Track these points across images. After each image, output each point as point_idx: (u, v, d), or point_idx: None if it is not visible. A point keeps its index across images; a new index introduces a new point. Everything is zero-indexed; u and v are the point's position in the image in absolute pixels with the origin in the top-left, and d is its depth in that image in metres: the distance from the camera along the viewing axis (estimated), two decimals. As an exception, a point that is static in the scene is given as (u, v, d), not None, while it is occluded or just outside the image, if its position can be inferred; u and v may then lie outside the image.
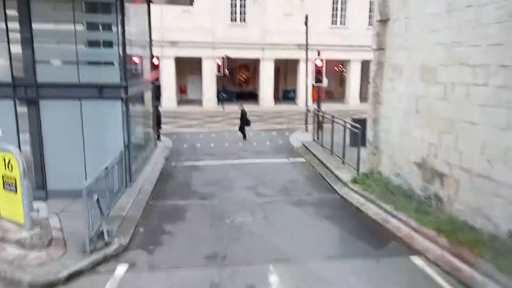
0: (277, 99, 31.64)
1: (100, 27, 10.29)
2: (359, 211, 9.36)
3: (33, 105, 9.53)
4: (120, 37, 9.80)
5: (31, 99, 9.50)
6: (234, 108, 28.68)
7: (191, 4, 16.52)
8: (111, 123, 9.93)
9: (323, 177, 12.24)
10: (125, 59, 10.08)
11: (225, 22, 29.22)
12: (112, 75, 9.81)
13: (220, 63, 27.36)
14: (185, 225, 8.65)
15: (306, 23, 19.35)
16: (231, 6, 29.37)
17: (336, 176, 11.85)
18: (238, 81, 34.16)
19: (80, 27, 9.71)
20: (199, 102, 29.99)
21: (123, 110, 10.00)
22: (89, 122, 9.76)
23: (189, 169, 13.31)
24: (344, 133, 13.06)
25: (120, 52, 9.86)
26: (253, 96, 32.53)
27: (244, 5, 29.47)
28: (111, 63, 9.97)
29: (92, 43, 10.16)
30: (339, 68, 35.04)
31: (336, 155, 13.63)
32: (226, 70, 27.22)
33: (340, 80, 35.79)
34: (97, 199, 7.09)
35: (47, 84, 9.46)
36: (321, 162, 13.61)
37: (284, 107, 29.78)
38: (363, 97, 32.23)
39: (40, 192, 9.59)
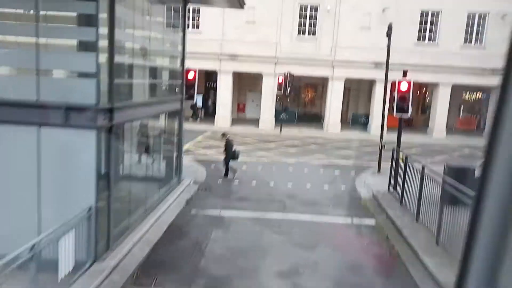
0: (345, 123, 26.99)
1: (77, 21, 7.05)
2: None
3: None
4: (104, 37, 6.43)
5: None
6: (293, 132, 24.72)
7: (242, 7, 13.08)
8: (81, 164, 6.53)
9: (404, 265, 7.69)
10: (111, 70, 6.68)
11: (292, 34, 25.45)
12: (86, 93, 6.44)
13: (281, 81, 23.63)
14: None
15: (389, 34, 14.82)
16: (300, 18, 25.57)
17: (427, 268, 7.26)
18: (302, 101, 30.13)
19: (43, 20, 6.52)
20: (256, 122, 26.44)
21: (100, 145, 6.56)
22: (50, 160, 6.46)
23: (210, 223, 9.53)
24: (441, 187, 8.47)
25: (102, 59, 6.48)
26: (317, 119, 28.23)
27: (315, 16, 25.50)
28: (89, 75, 6.60)
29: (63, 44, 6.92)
30: (422, 92, 29.47)
31: (425, 225, 8.98)
32: (288, 88, 23.40)
33: (422, 106, 30.15)
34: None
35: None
36: (401, 233, 9.02)
37: (353, 134, 25.03)
38: (449, 128, 26.36)
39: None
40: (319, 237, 9.02)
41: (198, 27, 26.00)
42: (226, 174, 13.71)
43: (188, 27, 26.19)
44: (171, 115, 11.48)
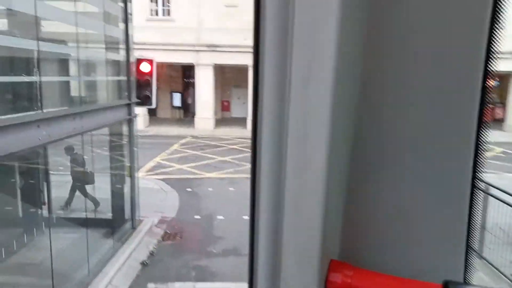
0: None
1: None
2: None
3: None
4: None
5: None
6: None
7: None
8: None
9: None
10: None
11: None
12: None
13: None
14: None
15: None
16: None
17: None
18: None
19: None
20: (243, 122, 22.35)
21: None
22: None
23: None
24: None
25: None
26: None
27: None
28: None
29: None
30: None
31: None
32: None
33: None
34: None
35: None
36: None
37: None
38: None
39: None
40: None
41: (169, 13, 21.68)
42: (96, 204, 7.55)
43: (157, 14, 22.02)
44: (115, 128, 7.39)
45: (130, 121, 7.49)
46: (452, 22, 0.62)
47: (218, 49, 21.13)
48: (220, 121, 23.37)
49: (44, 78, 4.66)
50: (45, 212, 6.33)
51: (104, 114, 6.27)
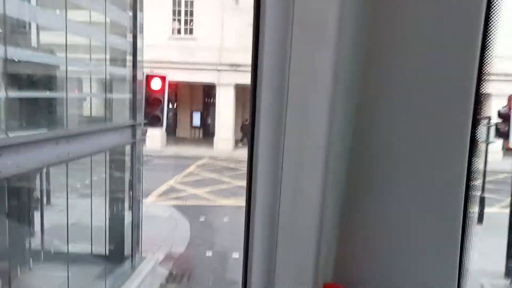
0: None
1: None
2: None
3: None
4: None
5: None
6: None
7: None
8: None
9: None
10: None
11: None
12: None
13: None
14: None
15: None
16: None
17: None
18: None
19: None
20: (264, 143, 21.20)
21: None
22: None
23: None
24: None
25: None
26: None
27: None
28: None
29: None
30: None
31: None
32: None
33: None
34: None
35: None
36: None
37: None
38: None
39: None
40: None
41: (191, 32, 21.17)
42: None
43: (179, 32, 21.57)
44: (117, 153, 6.43)
45: (133, 145, 6.50)
46: (448, 25, 0.61)
47: (239, 68, 20.35)
48: (240, 142, 22.38)
49: (12, 93, 3.71)
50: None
51: (99, 137, 5.30)
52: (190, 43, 20.39)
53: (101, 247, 6.48)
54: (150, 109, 7.32)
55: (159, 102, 7.31)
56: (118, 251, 6.63)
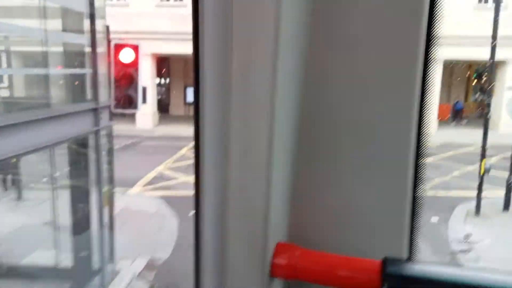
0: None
1: None
2: None
3: None
4: None
5: None
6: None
7: None
8: None
9: None
10: None
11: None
12: None
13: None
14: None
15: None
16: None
17: None
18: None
19: None
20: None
21: None
22: None
23: None
24: None
25: None
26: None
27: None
28: None
29: None
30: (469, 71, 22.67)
31: None
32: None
33: (471, 89, 23.35)
34: None
35: None
36: None
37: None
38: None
39: None
40: None
41: (182, -1, 19.19)
42: None
43: None
44: (80, 145, 5.00)
45: (97, 134, 5.05)
46: (392, 10, 0.61)
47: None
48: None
49: None
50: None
51: (40, 128, 3.84)
52: (182, 11, 18.40)
53: (60, 258, 5.20)
54: (120, 87, 5.82)
55: (131, 78, 5.80)
56: (84, 264, 5.32)
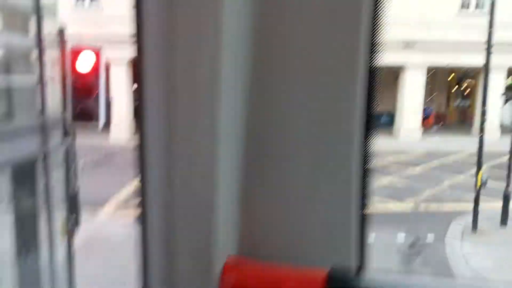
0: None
1: None
2: None
3: None
4: None
5: None
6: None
7: None
8: None
9: None
10: None
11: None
12: None
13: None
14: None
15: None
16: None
17: None
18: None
19: None
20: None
21: None
22: None
23: None
24: None
25: None
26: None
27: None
28: None
29: None
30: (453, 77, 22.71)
31: None
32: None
33: (453, 96, 23.39)
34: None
35: None
36: None
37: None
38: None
39: None
40: None
41: None
42: None
43: None
44: (22, 172, 4.11)
45: (46, 157, 4.17)
46: (334, 16, 0.61)
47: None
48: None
49: None
50: None
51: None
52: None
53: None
54: (78, 98, 4.97)
55: (89, 88, 4.96)
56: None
